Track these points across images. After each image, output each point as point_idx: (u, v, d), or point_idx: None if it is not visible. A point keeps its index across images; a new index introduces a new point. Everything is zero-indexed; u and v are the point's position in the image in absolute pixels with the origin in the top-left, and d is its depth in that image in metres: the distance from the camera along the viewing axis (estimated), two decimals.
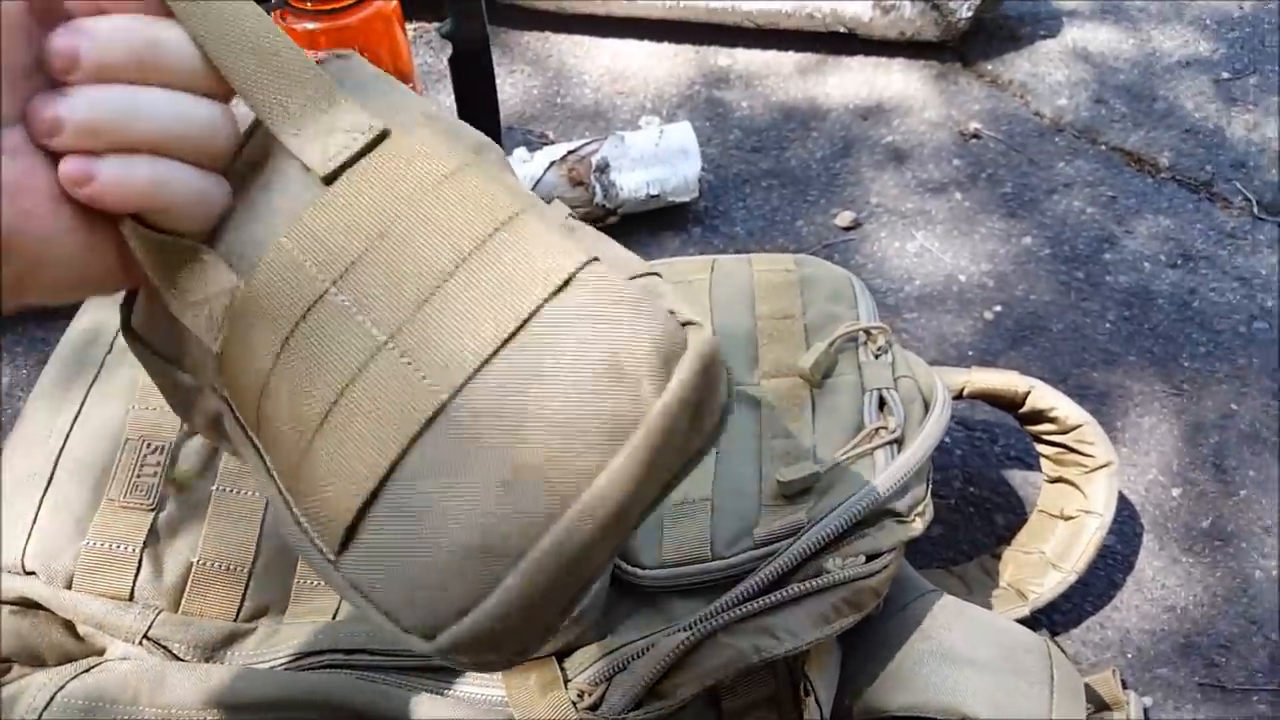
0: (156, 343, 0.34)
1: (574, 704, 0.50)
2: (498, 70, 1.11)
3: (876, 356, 0.63)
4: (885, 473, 0.55)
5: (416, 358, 0.31)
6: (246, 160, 0.33)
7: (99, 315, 0.63)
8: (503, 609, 0.28)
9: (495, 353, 0.29)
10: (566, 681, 0.51)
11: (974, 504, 0.80)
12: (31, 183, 0.29)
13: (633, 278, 0.31)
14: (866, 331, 0.63)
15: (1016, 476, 0.82)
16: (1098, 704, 0.63)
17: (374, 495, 0.29)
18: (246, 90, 0.32)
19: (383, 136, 0.33)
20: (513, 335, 0.29)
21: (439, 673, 0.52)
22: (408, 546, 0.29)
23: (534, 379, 0.28)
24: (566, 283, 0.30)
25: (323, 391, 0.31)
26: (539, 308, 0.29)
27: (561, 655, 0.53)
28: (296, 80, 0.32)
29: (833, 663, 0.55)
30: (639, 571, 0.57)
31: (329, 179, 0.32)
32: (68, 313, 0.50)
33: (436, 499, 0.28)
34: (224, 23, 0.32)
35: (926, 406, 0.61)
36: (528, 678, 0.51)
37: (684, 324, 0.31)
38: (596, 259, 0.30)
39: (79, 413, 0.58)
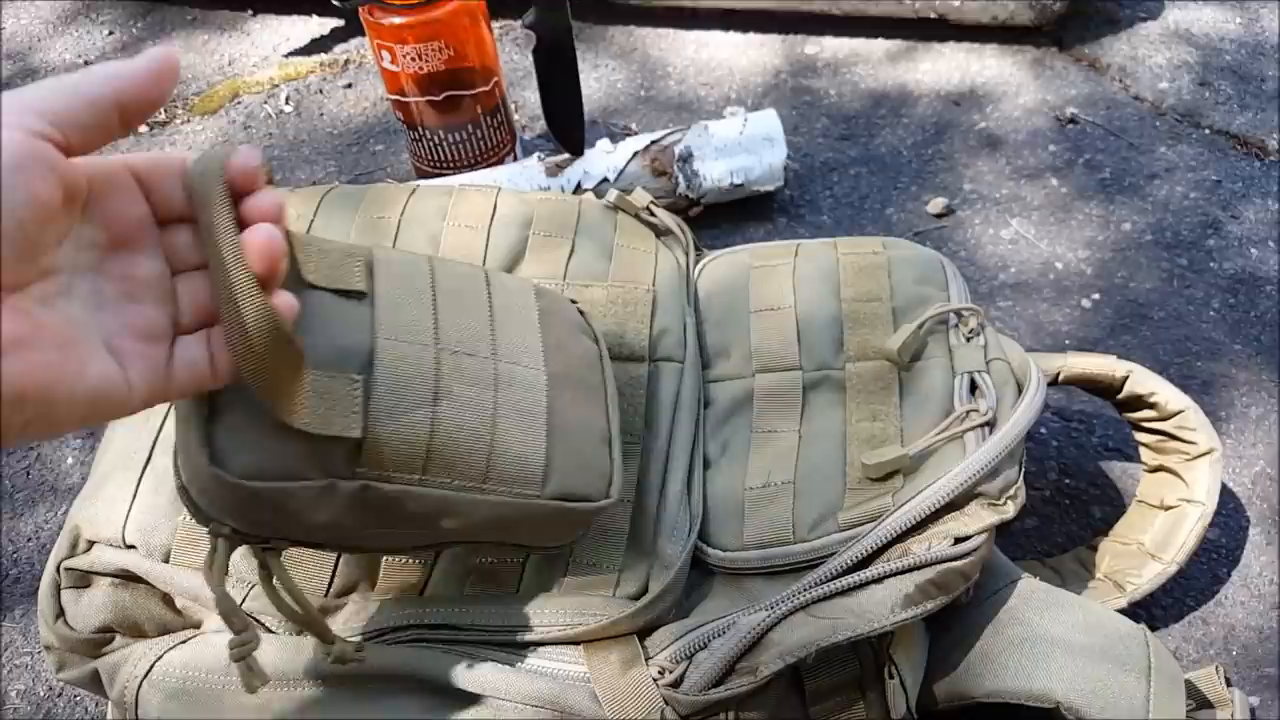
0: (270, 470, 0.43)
1: (655, 681, 0.50)
2: (582, 65, 1.11)
3: (968, 339, 0.61)
4: (976, 454, 0.54)
5: (518, 359, 0.49)
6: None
7: None
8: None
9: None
10: (648, 659, 0.51)
11: (1070, 496, 0.78)
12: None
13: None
14: (958, 313, 0.62)
15: (1115, 468, 0.79)
16: (1199, 701, 0.61)
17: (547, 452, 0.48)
18: None
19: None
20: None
21: (522, 648, 0.52)
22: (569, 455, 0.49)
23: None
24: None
25: (482, 411, 0.47)
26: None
27: (642, 634, 0.53)
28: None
29: (919, 648, 0.54)
30: (719, 554, 0.57)
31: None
32: None
33: (572, 431, 0.50)
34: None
35: (1020, 391, 0.59)
36: (609, 655, 0.51)
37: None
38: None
39: None
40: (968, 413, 0.57)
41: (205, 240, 0.38)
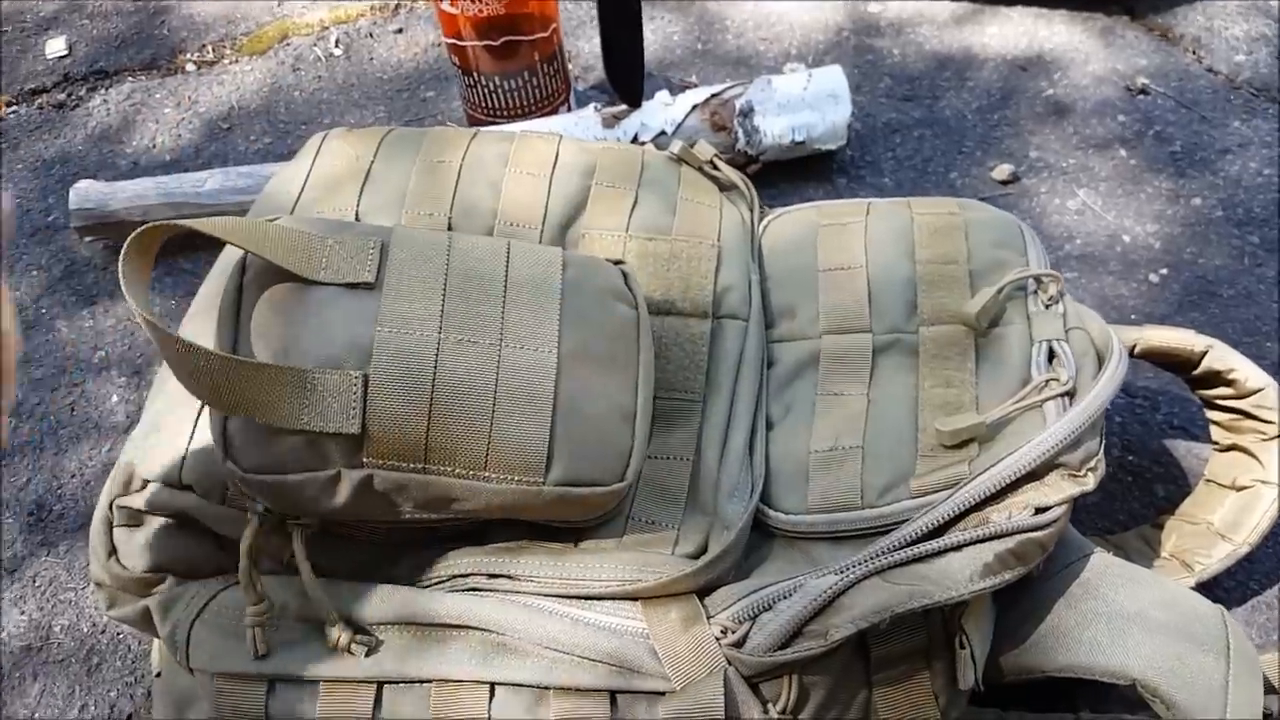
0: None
1: (717, 640, 0.48)
2: None
3: (1047, 306, 0.59)
4: (1059, 423, 0.52)
5: (526, 343, 0.49)
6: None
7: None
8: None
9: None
10: (708, 618, 0.50)
11: (1133, 473, 0.76)
12: None
13: None
14: (1037, 279, 0.60)
15: (1179, 447, 0.77)
16: (1265, 687, 0.59)
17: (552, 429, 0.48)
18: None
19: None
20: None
21: (579, 601, 0.51)
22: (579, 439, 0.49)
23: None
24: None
25: (481, 400, 0.48)
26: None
27: (702, 594, 0.51)
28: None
29: (988, 619, 0.52)
30: (782, 516, 0.55)
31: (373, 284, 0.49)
32: (215, 245, 0.50)
33: (586, 412, 0.50)
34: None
35: (1100, 362, 0.57)
36: (668, 612, 0.50)
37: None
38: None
39: None
40: (1047, 381, 0.55)
41: None
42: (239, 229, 0.50)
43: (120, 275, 0.46)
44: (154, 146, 1.08)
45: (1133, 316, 0.85)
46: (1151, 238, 0.90)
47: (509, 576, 0.51)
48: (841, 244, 0.63)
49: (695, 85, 1.04)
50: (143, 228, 0.49)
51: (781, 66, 1.06)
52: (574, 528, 0.53)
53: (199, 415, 0.54)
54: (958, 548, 0.49)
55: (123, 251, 0.47)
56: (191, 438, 0.53)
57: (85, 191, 0.93)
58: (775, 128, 0.90)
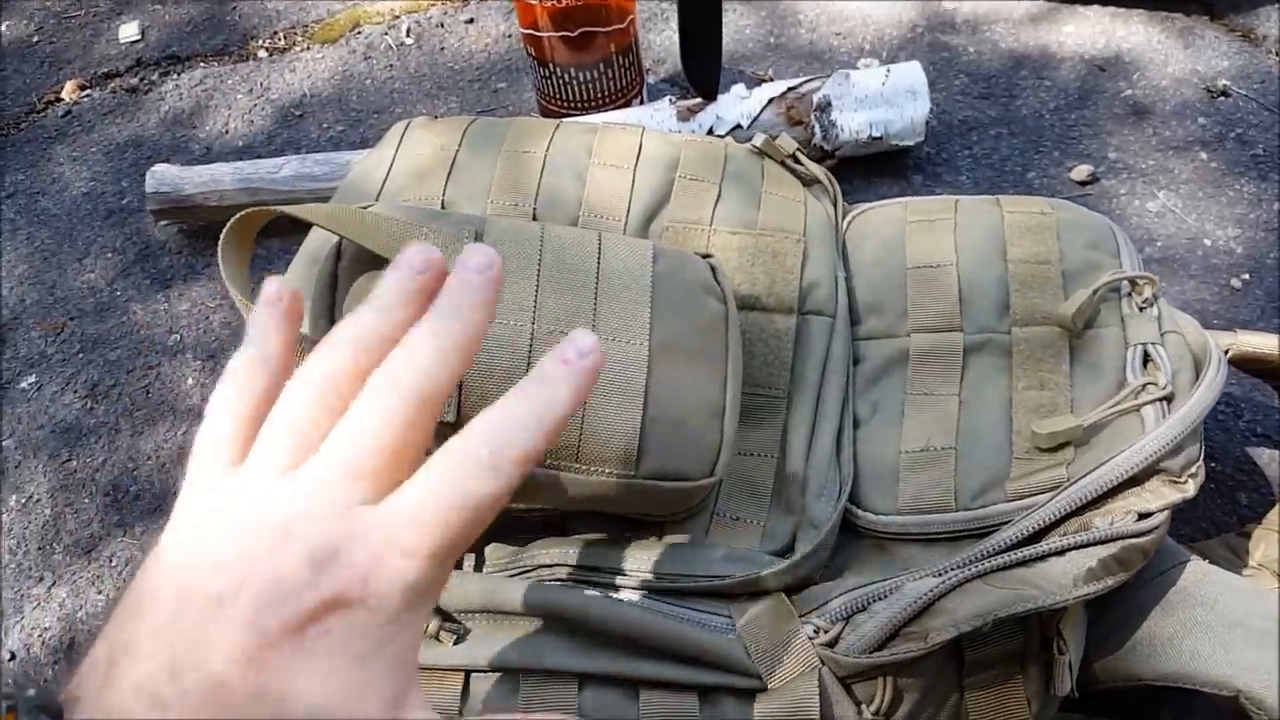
0: None
1: (810, 640, 0.48)
2: None
3: (1141, 309, 0.58)
4: (1160, 428, 0.51)
5: (618, 335, 0.49)
6: None
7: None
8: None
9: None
10: (800, 616, 0.49)
11: (1215, 480, 0.74)
12: None
13: None
14: (1132, 281, 0.59)
15: (1263, 455, 0.76)
16: None
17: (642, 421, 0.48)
18: None
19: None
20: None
21: (666, 595, 0.50)
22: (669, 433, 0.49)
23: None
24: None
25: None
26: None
27: (789, 592, 0.51)
28: None
29: (1082, 625, 0.51)
30: (871, 516, 0.55)
31: None
32: (288, 230, 0.50)
33: (677, 406, 0.49)
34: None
35: (1196, 367, 0.56)
36: (758, 610, 0.50)
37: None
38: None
39: None
40: (1145, 386, 0.54)
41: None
42: (337, 216, 0.50)
43: (220, 259, 0.46)
44: (226, 132, 1.09)
45: (1214, 322, 0.83)
46: (1233, 242, 0.89)
47: (596, 569, 0.51)
48: (930, 241, 0.63)
49: (769, 79, 1.03)
50: (241, 213, 0.49)
51: (855, 62, 1.05)
52: (658, 521, 0.53)
53: None
54: (1060, 552, 0.48)
55: (222, 236, 0.48)
56: None
57: (161, 175, 0.94)
58: (853, 123, 0.89)
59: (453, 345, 0.31)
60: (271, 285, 0.34)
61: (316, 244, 0.60)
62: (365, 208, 0.52)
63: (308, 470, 0.30)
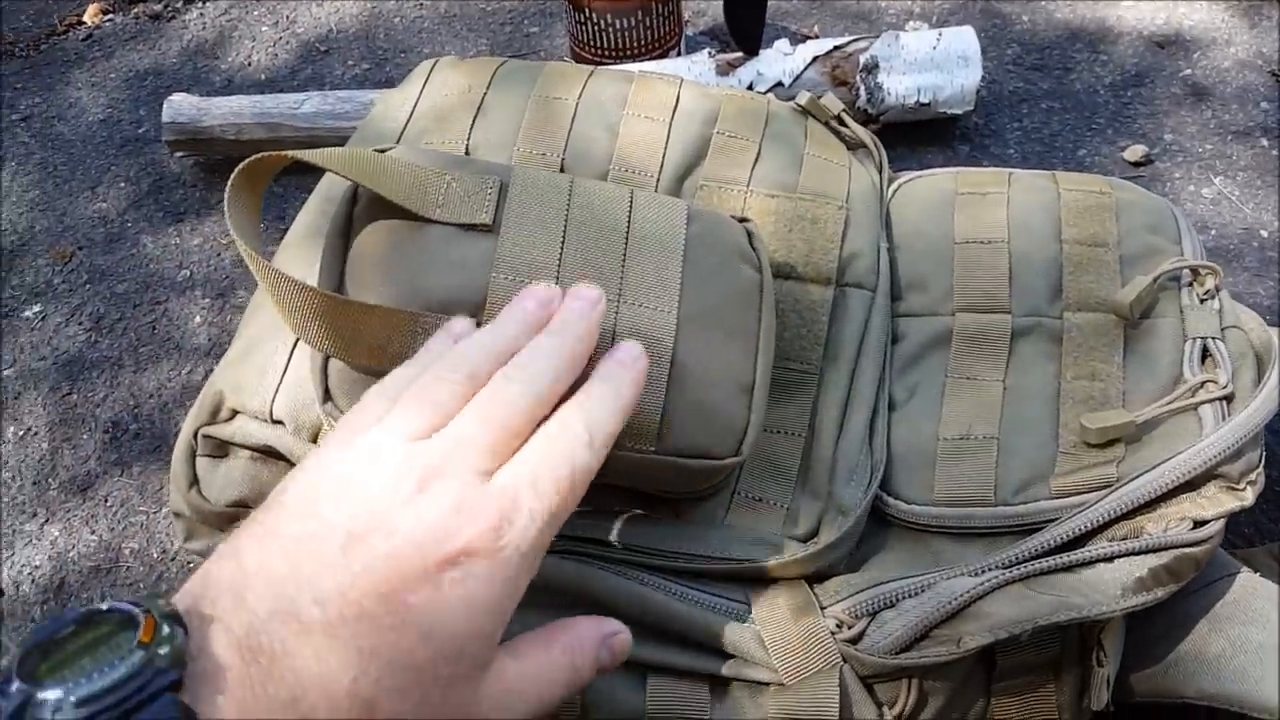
0: None
1: (832, 634, 0.45)
2: None
3: (1202, 301, 0.54)
4: (1220, 431, 0.47)
5: (646, 301, 0.46)
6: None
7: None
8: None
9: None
10: (822, 609, 0.46)
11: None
12: None
13: None
14: (1194, 270, 0.55)
15: None
16: None
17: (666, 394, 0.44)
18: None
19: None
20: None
21: (677, 575, 0.47)
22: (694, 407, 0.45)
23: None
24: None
25: None
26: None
27: (813, 581, 0.48)
28: None
29: (1121, 635, 0.48)
30: (902, 505, 0.51)
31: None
32: (306, 169, 0.47)
33: (703, 380, 0.46)
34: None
35: (1259, 365, 0.52)
36: (777, 598, 0.47)
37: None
38: None
39: None
40: (1203, 383, 0.50)
41: None
42: (353, 161, 0.46)
43: (226, 208, 0.43)
44: (249, 65, 1.05)
45: (1268, 317, 0.79)
46: None
47: (600, 542, 0.48)
48: (981, 215, 0.59)
49: (814, 36, 0.99)
50: (251, 158, 0.45)
51: (903, 24, 1.00)
52: (675, 499, 0.50)
53: (294, 347, 0.51)
54: (1108, 559, 0.45)
55: (230, 183, 0.44)
56: (285, 370, 0.50)
57: (179, 105, 0.90)
58: (900, 87, 0.85)
59: (566, 357, 0.37)
60: (461, 324, 0.41)
61: (331, 184, 0.57)
62: (383, 150, 0.49)
63: (441, 438, 0.34)
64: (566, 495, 0.34)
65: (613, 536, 0.48)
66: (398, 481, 0.32)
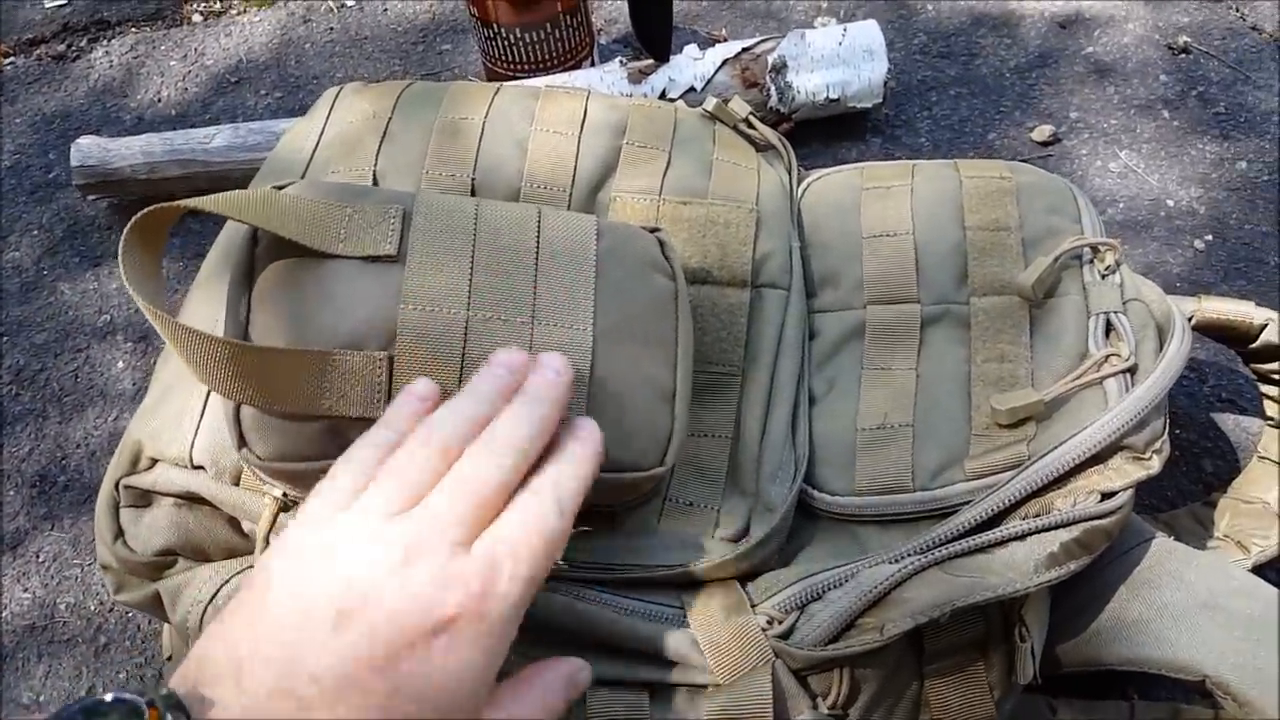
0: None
1: (763, 630, 0.46)
2: None
3: (1103, 276, 0.56)
4: (1124, 403, 0.49)
5: (560, 320, 0.46)
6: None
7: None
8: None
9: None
10: (753, 606, 0.47)
11: (1180, 448, 0.73)
12: None
13: None
14: (1094, 248, 0.57)
15: (1228, 420, 0.74)
16: None
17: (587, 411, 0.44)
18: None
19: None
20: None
21: (611, 585, 0.48)
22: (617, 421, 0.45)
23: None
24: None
25: None
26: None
27: (744, 579, 0.49)
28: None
29: (1045, 609, 0.50)
30: (828, 498, 0.52)
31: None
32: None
33: (624, 393, 0.46)
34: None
35: (1160, 335, 0.54)
36: (710, 600, 0.47)
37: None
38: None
39: None
40: (1107, 357, 0.52)
41: None
42: (248, 203, 0.46)
43: (120, 264, 0.42)
44: (159, 101, 1.04)
45: (1177, 285, 0.82)
46: (1196, 203, 0.87)
47: None
48: (886, 208, 0.60)
49: (724, 39, 1.00)
50: (141, 213, 0.45)
51: (812, 20, 1.02)
52: (607, 510, 0.51)
53: (210, 391, 0.51)
54: (1020, 537, 0.46)
55: (122, 239, 0.43)
56: (202, 415, 0.50)
57: (87, 148, 0.89)
58: (809, 84, 0.86)
59: (538, 427, 0.38)
60: (424, 386, 0.41)
61: (234, 230, 0.56)
62: (281, 188, 0.48)
63: (418, 513, 0.35)
64: (542, 560, 0.35)
65: None
66: (382, 557, 0.34)
